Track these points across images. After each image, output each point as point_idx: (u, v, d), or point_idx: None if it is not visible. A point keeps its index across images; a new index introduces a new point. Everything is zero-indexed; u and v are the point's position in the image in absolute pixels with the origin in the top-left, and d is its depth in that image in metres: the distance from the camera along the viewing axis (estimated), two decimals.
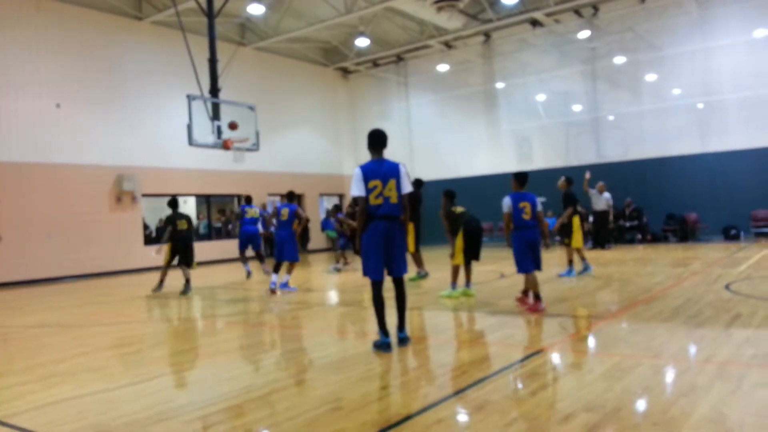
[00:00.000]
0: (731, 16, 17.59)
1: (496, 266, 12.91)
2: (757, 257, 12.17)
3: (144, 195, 18.74)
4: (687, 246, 16.77)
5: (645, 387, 3.97)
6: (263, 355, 6.03)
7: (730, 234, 17.37)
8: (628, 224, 18.72)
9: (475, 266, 9.36)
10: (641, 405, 3.65)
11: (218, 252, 20.37)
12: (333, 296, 10.49)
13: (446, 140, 23.29)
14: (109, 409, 4.14)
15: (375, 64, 24.93)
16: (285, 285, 10.45)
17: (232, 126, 13.49)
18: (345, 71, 26.01)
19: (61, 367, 5.61)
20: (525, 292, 7.48)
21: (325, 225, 25.77)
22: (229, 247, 19.94)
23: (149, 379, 5.02)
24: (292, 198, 10.80)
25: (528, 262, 7.18)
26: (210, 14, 14.80)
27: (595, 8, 19.36)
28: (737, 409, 3.48)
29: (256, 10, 18.63)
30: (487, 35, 21.87)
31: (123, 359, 6.04)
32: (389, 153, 5.68)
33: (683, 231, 18.25)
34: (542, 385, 4.24)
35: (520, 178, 7.38)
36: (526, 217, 7.16)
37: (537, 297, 7.19)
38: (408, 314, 8.01)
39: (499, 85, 22.73)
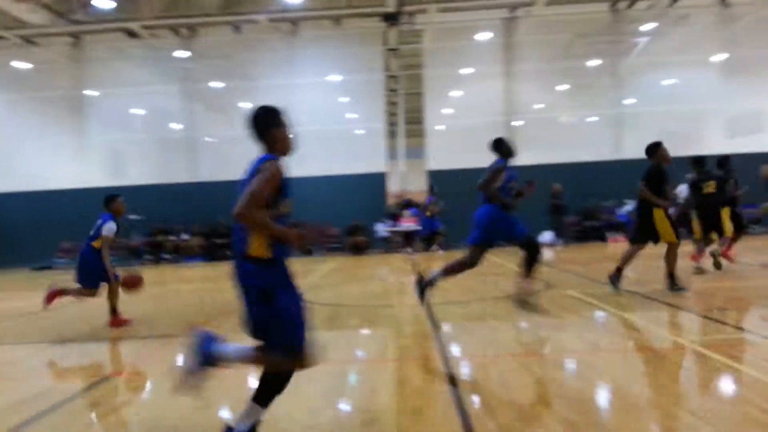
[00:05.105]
0: (308, 59, 20.26)
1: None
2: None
3: None
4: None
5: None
6: None
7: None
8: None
9: None
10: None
11: None
12: None
13: (26, 147, 20.50)
14: None
15: None
16: None
17: None
18: None
19: None
20: None
21: None
22: None
23: None
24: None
25: None
26: None
27: (193, 30, 19.80)
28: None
29: None
30: (76, 36, 20.15)
31: None
32: None
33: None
34: None
35: None
36: None
37: None
38: None
39: (92, 92, 21.14)
